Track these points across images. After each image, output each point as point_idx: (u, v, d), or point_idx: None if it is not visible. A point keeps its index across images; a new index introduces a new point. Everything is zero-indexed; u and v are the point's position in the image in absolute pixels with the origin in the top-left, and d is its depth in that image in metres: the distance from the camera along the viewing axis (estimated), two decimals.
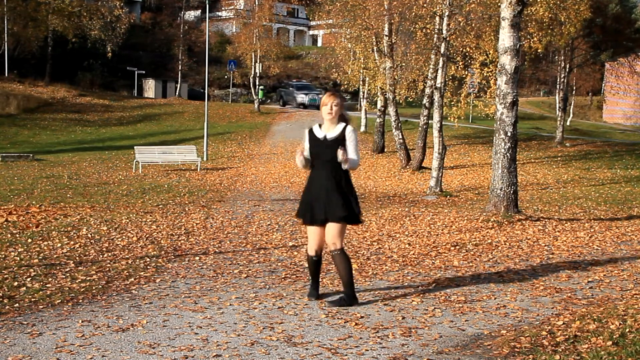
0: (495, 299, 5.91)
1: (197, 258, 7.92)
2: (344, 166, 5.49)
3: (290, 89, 45.18)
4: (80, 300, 5.89)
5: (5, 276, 6.65)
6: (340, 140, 5.48)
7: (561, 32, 23.38)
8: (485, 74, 18.24)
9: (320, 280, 6.08)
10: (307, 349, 4.51)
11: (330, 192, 5.49)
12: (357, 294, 5.85)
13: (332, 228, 5.51)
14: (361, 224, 6.30)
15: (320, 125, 5.63)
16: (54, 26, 38.67)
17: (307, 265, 5.90)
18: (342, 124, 5.54)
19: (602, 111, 52.02)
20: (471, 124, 35.35)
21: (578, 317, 4.95)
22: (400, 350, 4.50)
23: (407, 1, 18.54)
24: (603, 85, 51.51)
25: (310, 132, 5.65)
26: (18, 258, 7.56)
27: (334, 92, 5.67)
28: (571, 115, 43.57)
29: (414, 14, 18.29)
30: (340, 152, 5.39)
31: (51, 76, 41.65)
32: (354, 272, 6.98)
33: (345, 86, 30.42)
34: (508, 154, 10.77)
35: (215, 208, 12.63)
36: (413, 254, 8.13)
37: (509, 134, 10.77)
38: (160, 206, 12.61)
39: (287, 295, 5.95)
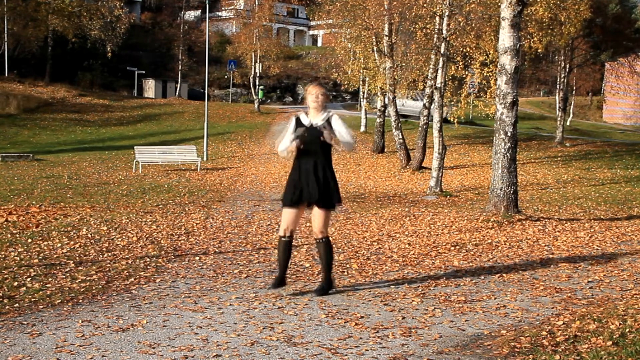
0: (495, 299, 5.91)
1: (197, 258, 7.91)
2: (339, 148, 5.77)
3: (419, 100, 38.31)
4: (80, 300, 5.89)
5: (5, 276, 6.65)
6: (328, 129, 5.71)
7: (561, 32, 23.38)
8: (485, 74, 18.24)
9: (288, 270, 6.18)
10: (307, 349, 4.50)
11: (319, 179, 5.70)
12: (357, 294, 5.98)
13: (321, 215, 5.75)
14: (340, 210, 6.50)
15: (306, 114, 5.85)
16: (54, 26, 38.68)
17: (277, 252, 6.03)
18: (326, 113, 5.81)
19: (602, 111, 52.02)
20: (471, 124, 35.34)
21: (578, 317, 4.95)
22: (400, 350, 4.50)
23: (407, 1, 18.55)
24: (603, 85, 51.52)
25: (297, 120, 5.85)
26: (18, 258, 7.56)
27: (319, 83, 6.02)
28: (571, 115, 43.56)
29: (414, 14, 18.29)
30: (325, 133, 5.64)
31: (51, 76, 41.67)
32: (354, 271, 6.99)
33: (346, 86, 30.41)
34: (508, 154, 10.77)
35: (215, 208, 12.63)
36: (413, 254, 8.13)
37: (509, 134, 10.77)
38: (160, 206, 12.61)
39: (287, 295, 5.95)
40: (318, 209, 5.74)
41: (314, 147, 5.71)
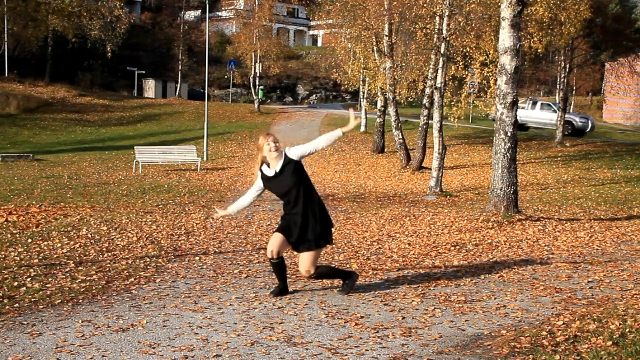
0: (495, 299, 5.91)
1: (197, 258, 7.92)
2: (353, 121, 5.76)
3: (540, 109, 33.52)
4: (80, 300, 5.89)
5: (5, 276, 6.66)
6: (291, 165, 5.64)
7: (561, 32, 23.36)
8: (485, 74, 18.23)
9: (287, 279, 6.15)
10: (307, 349, 4.50)
11: (305, 219, 5.65)
12: (357, 294, 5.98)
13: (307, 256, 5.73)
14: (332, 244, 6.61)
15: (268, 166, 5.76)
16: (54, 26, 38.65)
17: (272, 269, 6.07)
18: (283, 157, 5.69)
19: (602, 111, 51.99)
20: (471, 124, 35.33)
21: (578, 317, 4.95)
22: (400, 350, 4.50)
23: (407, 1, 18.54)
24: (603, 85, 51.50)
25: (261, 172, 5.79)
26: (18, 258, 7.56)
27: (267, 133, 5.90)
28: None
29: (414, 14, 18.28)
30: (349, 111, 5.99)
31: (51, 76, 41.66)
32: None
33: (345, 86, 30.41)
34: (508, 154, 10.77)
35: (215, 208, 12.61)
36: (413, 254, 8.13)
37: (509, 134, 10.77)
38: (160, 206, 12.61)
39: (287, 295, 5.95)
40: (303, 251, 5.75)
41: (291, 192, 5.66)
